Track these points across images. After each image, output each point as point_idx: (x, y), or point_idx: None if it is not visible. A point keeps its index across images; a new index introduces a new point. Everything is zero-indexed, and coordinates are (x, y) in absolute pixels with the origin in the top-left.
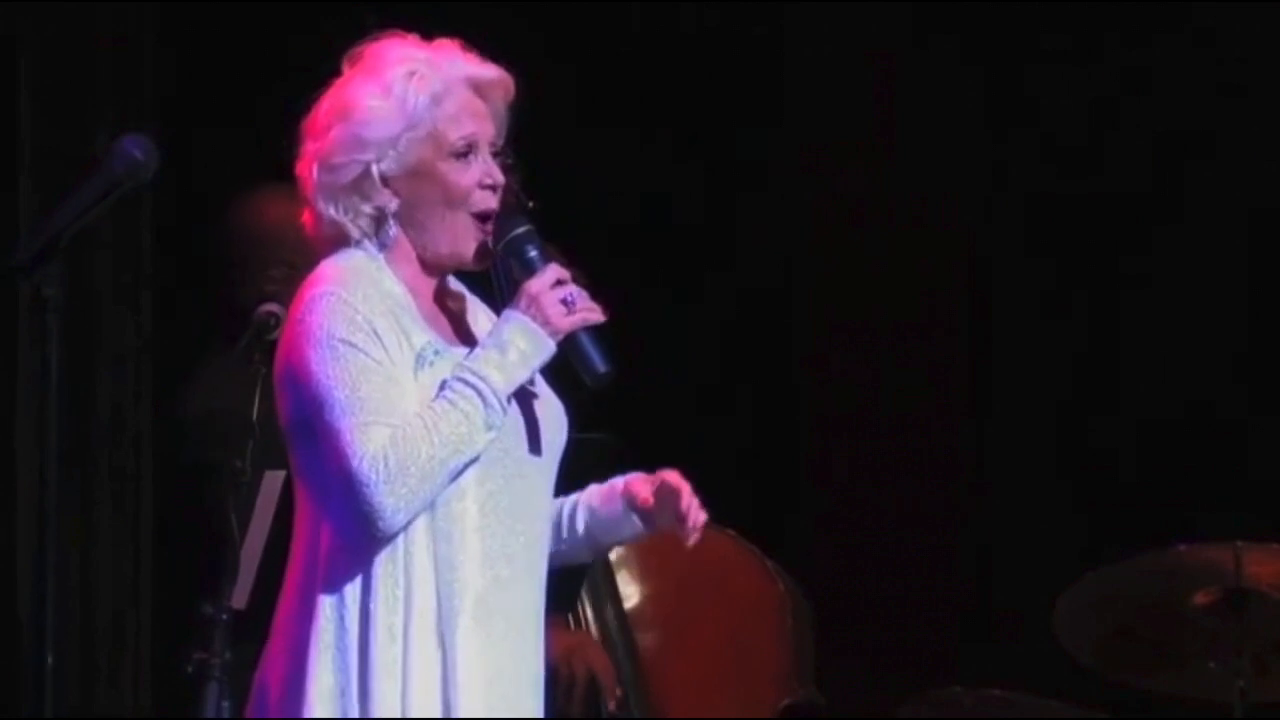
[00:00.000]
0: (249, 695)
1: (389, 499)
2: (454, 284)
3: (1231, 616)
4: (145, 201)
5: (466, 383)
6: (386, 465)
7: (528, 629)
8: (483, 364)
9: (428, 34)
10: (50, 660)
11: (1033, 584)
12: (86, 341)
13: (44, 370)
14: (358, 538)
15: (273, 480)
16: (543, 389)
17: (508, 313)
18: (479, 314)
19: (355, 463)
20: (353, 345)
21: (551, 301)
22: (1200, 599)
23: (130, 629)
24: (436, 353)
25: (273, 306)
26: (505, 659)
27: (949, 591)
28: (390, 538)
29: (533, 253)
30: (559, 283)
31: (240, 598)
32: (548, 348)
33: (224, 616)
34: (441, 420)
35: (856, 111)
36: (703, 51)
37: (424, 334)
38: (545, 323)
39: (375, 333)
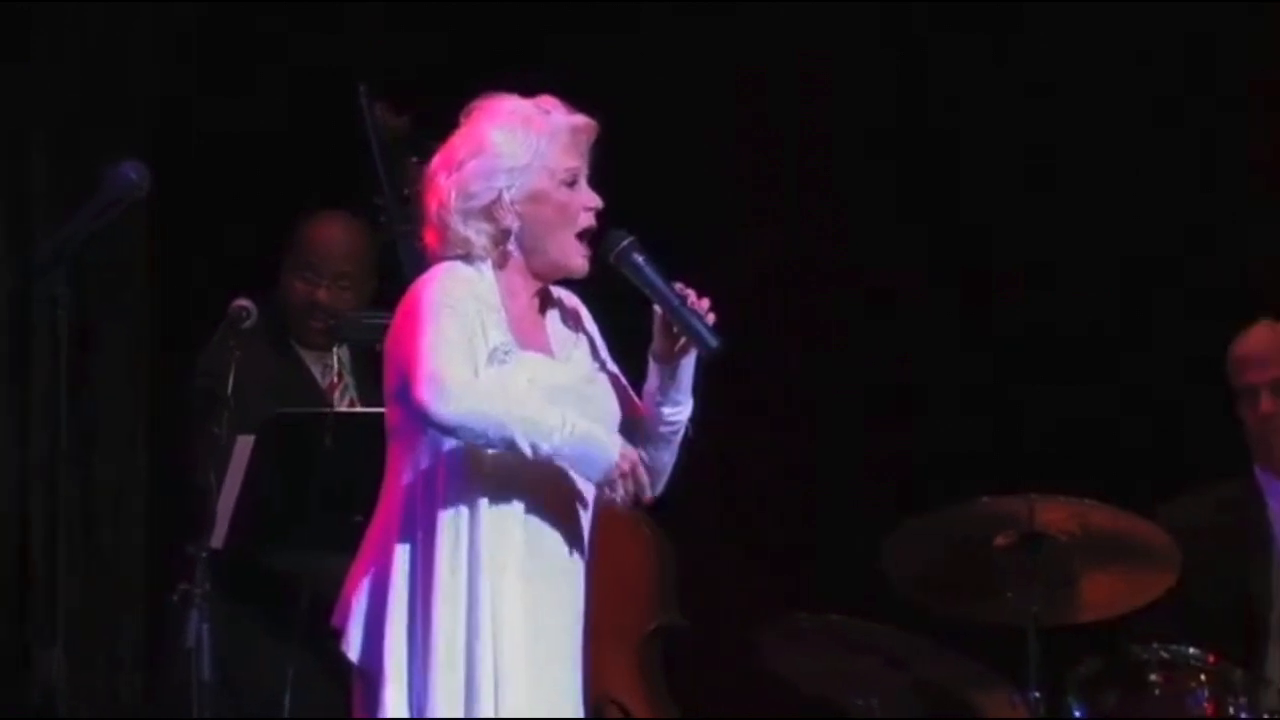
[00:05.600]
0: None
1: (440, 403)
2: (562, 295)
3: (1026, 556)
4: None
5: (563, 417)
6: (453, 379)
7: (567, 579)
8: (560, 420)
9: None
10: (60, 597)
11: (862, 531)
12: (90, 335)
13: (55, 354)
14: (413, 430)
15: (244, 444)
16: (608, 367)
17: (613, 435)
18: (581, 318)
19: (426, 367)
20: (448, 307)
21: (617, 475)
22: (1000, 541)
23: (126, 569)
24: (507, 353)
25: (244, 301)
26: (546, 604)
27: (794, 539)
28: (434, 426)
29: (639, 259)
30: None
31: (218, 539)
32: (596, 466)
33: (204, 554)
34: (523, 398)
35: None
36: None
37: (503, 335)
38: (604, 472)
39: (467, 311)
